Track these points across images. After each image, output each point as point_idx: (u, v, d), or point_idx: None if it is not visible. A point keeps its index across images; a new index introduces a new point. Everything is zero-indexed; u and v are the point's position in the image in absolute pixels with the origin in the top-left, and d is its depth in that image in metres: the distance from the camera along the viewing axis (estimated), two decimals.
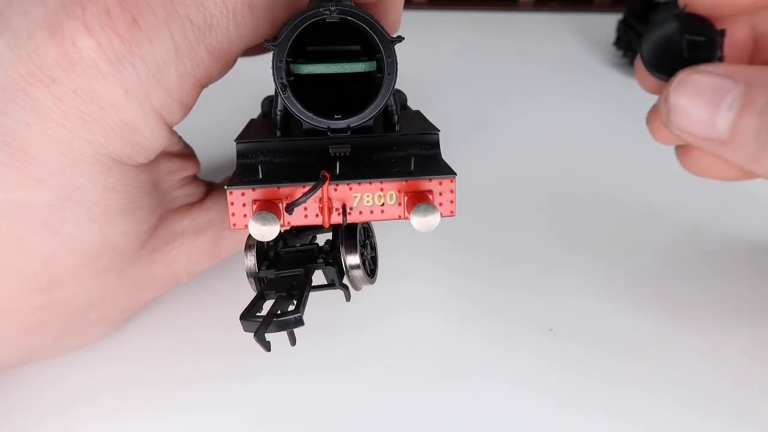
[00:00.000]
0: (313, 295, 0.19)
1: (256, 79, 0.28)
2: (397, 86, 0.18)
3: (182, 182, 0.23)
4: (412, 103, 0.25)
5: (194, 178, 0.24)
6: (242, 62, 0.22)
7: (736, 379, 0.24)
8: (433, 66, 0.51)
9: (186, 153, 0.23)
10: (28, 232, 0.19)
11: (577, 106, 0.46)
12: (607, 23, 0.55)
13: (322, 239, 0.21)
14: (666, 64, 0.22)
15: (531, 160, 0.39)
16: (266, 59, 0.20)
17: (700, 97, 0.20)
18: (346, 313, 0.25)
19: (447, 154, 0.19)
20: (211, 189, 0.25)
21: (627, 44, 0.52)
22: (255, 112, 0.26)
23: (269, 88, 0.30)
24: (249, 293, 0.20)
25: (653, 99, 0.44)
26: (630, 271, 0.30)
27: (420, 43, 0.54)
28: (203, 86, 0.20)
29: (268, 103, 0.25)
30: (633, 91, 0.48)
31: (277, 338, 0.17)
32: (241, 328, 0.18)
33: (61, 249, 0.19)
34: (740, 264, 0.31)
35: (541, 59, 0.53)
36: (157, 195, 0.22)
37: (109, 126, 0.18)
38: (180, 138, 0.22)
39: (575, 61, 0.53)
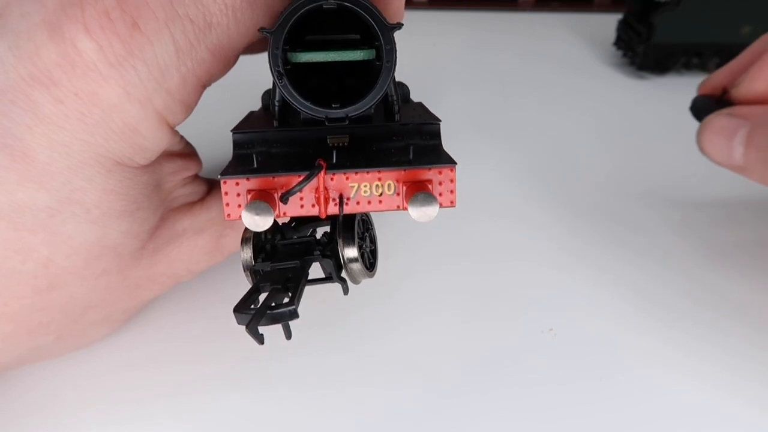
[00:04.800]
0: (311, 292, 0.19)
1: (258, 76, 0.28)
2: (398, 81, 0.17)
3: (184, 182, 0.23)
4: None
5: (196, 177, 0.24)
6: (243, 58, 0.22)
7: (739, 391, 0.24)
8: (432, 66, 0.51)
9: (188, 152, 0.23)
10: (27, 234, 0.18)
11: (576, 105, 0.46)
12: (607, 23, 0.55)
13: (321, 233, 0.21)
14: (702, 114, 0.28)
15: (531, 160, 0.39)
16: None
17: (719, 134, 0.25)
18: (344, 312, 0.25)
19: (447, 151, 0.19)
20: (212, 187, 0.25)
21: (627, 44, 0.52)
22: (257, 107, 0.26)
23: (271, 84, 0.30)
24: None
25: (652, 99, 0.45)
26: (631, 270, 0.30)
27: (420, 43, 0.54)
28: (205, 86, 0.20)
29: (268, 95, 0.24)
30: (633, 91, 0.48)
31: (280, 344, 0.17)
32: (241, 329, 0.17)
33: (61, 251, 0.19)
34: (742, 259, 0.30)
35: (541, 59, 0.53)
36: (159, 195, 0.22)
37: (110, 128, 0.18)
38: (182, 137, 0.22)
39: (575, 61, 0.53)
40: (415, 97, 0.25)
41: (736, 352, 0.25)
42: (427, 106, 0.22)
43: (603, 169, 0.38)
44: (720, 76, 0.29)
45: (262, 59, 0.23)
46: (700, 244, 0.32)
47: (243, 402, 0.23)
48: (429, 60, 0.52)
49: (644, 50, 0.49)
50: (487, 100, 0.46)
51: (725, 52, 0.50)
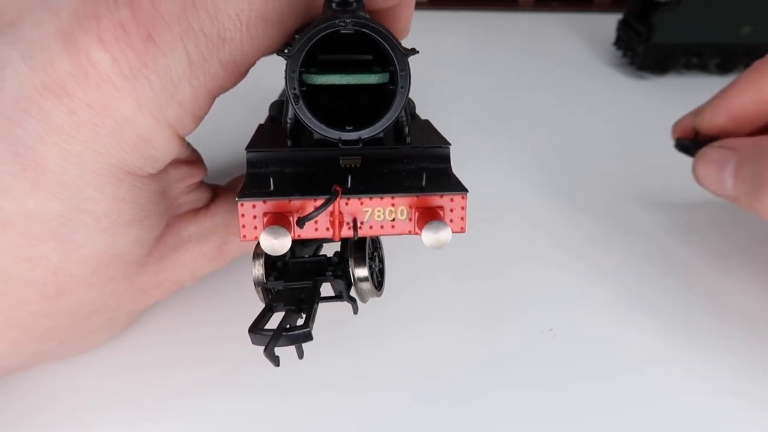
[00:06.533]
0: (319, 307, 0.19)
1: (262, 81, 0.28)
2: None
3: (189, 188, 0.23)
4: None
5: (200, 184, 0.24)
6: None
7: (740, 390, 0.24)
8: (433, 66, 0.51)
9: (193, 159, 0.23)
10: (37, 242, 0.19)
11: (577, 106, 0.46)
12: (607, 23, 0.56)
13: (328, 246, 0.21)
14: (690, 150, 0.30)
15: (530, 160, 0.39)
16: (273, 60, 0.19)
17: (711, 167, 0.27)
18: (345, 315, 0.25)
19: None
20: (216, 193, 0.25)
21: (627, 44, 0.52)
22: (259, 112, 0.26)
23: (275, 90, 0.29)
24: (251, 294, 0.20)
25: (652, 99, 0.45)
26: (631, 270, 0.30)
27: (420, 43, 0.53)
28: (215, 97, 0.20)
29: (277, 107, 0.24)
30: (633, 91, 0.49)
31: (284, 350, 0.17)
32: (242, 333, 0.17)
33: (70, 259, 0.19)
34: (741, 259, 0.31)
35: (541, 59, 0.53)
36: (165, 202, 0.22)
37: (122, 139, 0.18)
38: (189, 145, 0.22)
39: (575, 61, 0.53)
40: (412, 96, 0.25)
41: (736, 351, 0.26)
42: (425, 106, 0.22)
43: (603, 169, 0.38)
44: (687, 118, 0.31)
45: (268, 64, 0.23)
46: (701, 243, 0.32)
47: (244, 404, 0.23)
48: (429, 60, 0.51)
49: (644, 50, 0.49)
50: (486, 100, 0.46)
51: (725, 52, 0.50)
